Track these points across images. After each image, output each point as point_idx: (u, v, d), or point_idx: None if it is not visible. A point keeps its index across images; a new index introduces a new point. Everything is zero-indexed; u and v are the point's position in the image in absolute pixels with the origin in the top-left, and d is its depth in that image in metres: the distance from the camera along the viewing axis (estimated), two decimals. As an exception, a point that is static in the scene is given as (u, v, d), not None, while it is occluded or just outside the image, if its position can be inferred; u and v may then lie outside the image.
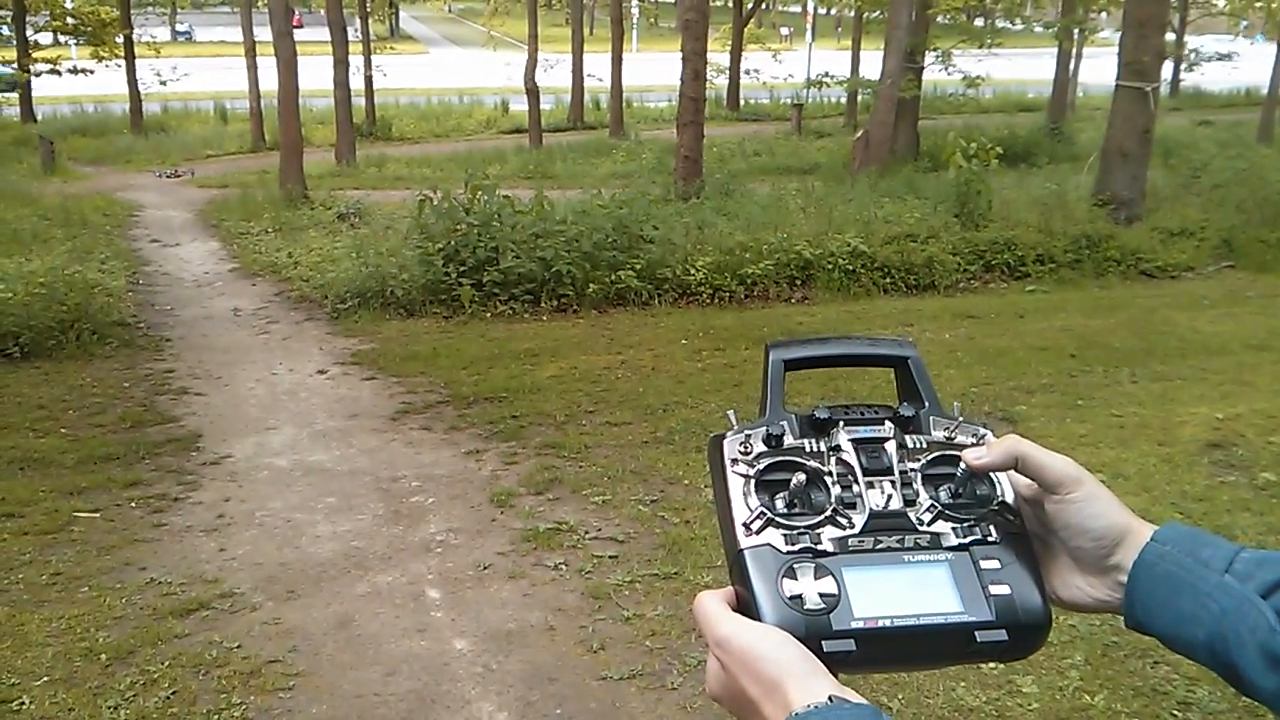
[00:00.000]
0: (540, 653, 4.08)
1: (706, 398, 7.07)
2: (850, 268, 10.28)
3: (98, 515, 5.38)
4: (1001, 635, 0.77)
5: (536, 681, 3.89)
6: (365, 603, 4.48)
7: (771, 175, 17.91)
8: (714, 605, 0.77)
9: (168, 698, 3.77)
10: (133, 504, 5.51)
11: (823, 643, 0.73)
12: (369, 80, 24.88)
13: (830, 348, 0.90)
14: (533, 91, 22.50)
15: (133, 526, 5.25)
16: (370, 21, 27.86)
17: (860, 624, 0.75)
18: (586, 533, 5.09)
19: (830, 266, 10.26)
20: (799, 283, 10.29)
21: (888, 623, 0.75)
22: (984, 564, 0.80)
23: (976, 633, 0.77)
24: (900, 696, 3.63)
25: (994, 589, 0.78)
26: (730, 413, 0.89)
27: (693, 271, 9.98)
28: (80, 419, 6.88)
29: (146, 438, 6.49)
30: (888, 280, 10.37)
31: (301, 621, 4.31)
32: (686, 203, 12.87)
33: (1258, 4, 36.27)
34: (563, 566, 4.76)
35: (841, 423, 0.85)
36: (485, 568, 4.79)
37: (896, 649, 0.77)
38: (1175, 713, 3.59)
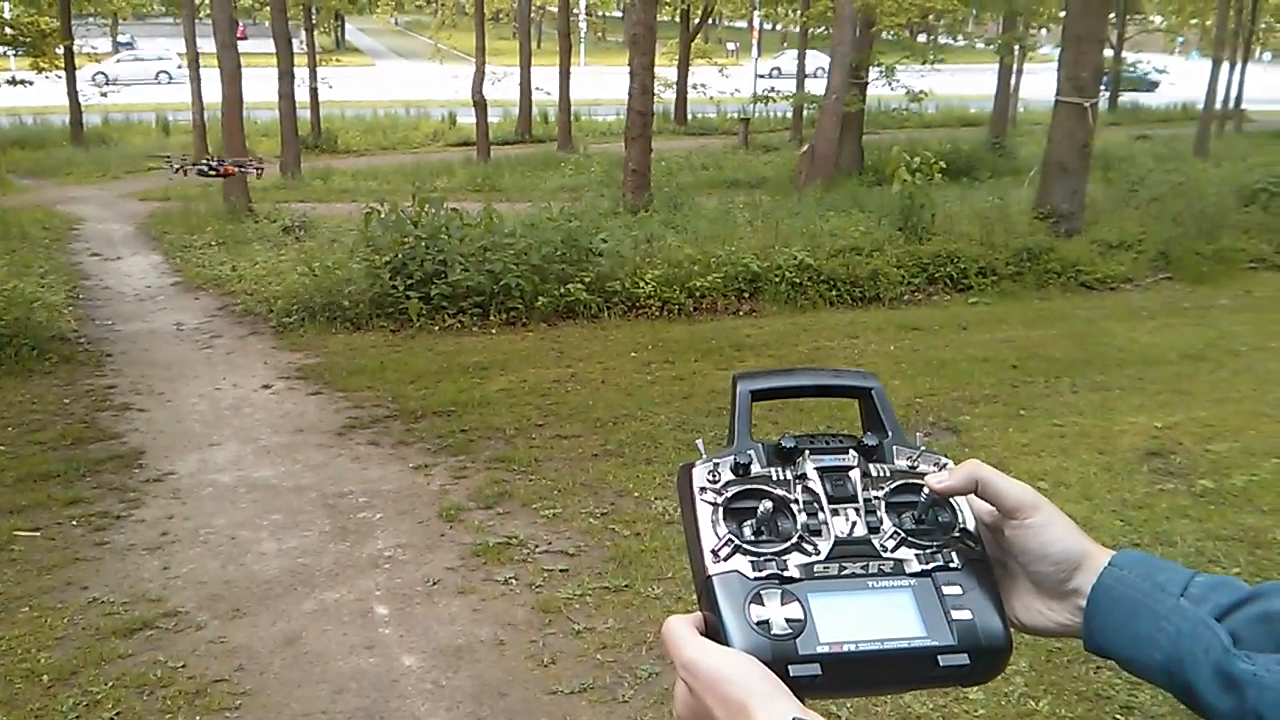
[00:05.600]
0: (490, 668, 4.07)
1: (656, 410, 7.09)
2: (797, 281, 10.37)
3: (38, 534, 5.27)
4: (964, 659, 0.78)
5: (486, 697, 3.88)
6: (312, 620, 4.44)
7: (719, 189, 18.01)
8: (682, 629, 0.78)
9: (112, 719, 3.71)
10: (74, 522, 5.41)
11: (789, 667, 0.74)
12: (314, 92, 24.66)
13: (796, 379, 0.92)
14: (480, 104, 22.44)
15: (74, 545, 5.16)
16: (316, 33, 27.64)
17: (826, 649, 0.76)
18: (536, 546, 5.09)
19: (778, 279, 10.34)
20: (747, 295, 10.36)
21: (852, 648, 0.77)
22: (946, 589, 0.81)
23: (939, 657, 0.78)
24: (849, 705, 3.66)
25: (956, 614, 0.80)
26: (699, 442, 0.91)
27: (642, 284, 10.01)
28: (19, 436, 6.74)
29: (88, 455, 6.38)
30: (834, 293, 10.47)
31: (247, 640, 4.26)
32: (635, 216, 12.90)
33: (1193, 21, 37.17)
34: (513, 581, 4.75)
35: (807, 451, 0.87)
36: (434, 583, 4.76)
37: (861, 674, 0.78)
38: (1118, 717, 3.67)
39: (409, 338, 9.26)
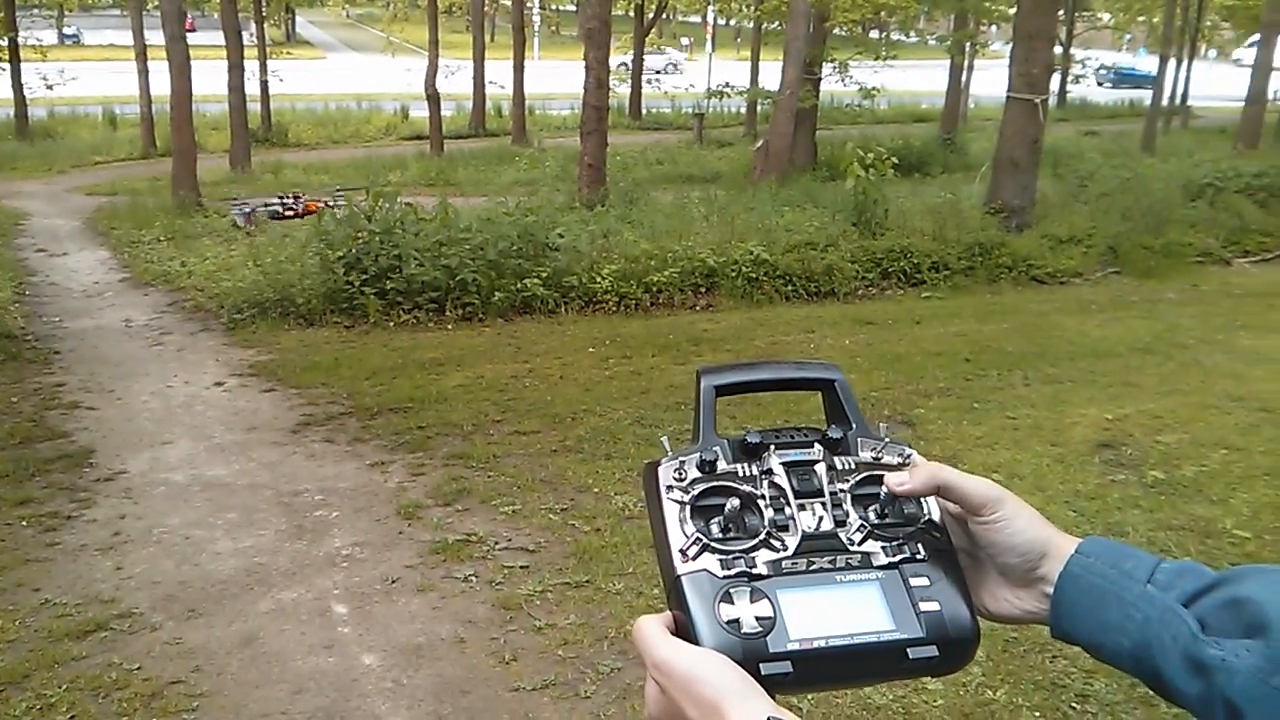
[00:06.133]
0: (451, 665, 4.05)
1: (614, 405, 7.09)
2: (753, 275, 10.41)
3: (-15, 535, 5.17)
4: (932, 651, 0.79)
5: (448, 695, 3.86)
6: (269, 620, 4.39)
7: (674, 184, 18.04)
8: (653, 629, 0.78)
9: (64, 723, 3.65)
10: (24, 523, 5.31)
11: (760, 665, 0.74)
12: (264, 85, 24.36)
13: (760, 373, 0.92)
14: (434, 98, 22.30)
15: (24, 546, 5.06)
16: (266, 26, 27.30)
17: (796, 646, 0.76)
18: (496, 543, 5.07)
19: (734, 274, 10.38)
20: (704, 290, 10.38)
21: (823, 643, 0.77)
22: (913, 581, 0.81)
23: (909, 650, 0.78)
24: (810, 697, 3.69)
25: (924, 606, 0.80)
26: (664, 439, 0.90)
27: (599, 279, 9.99)
28: (-36, 436, 6.61)
29: (37, 454, 6.26)
30: (789, 288, 10.52)
31: (204, 641, 4.21)
32: (591, 211, 12.88)
33: (1140, 18, 37.75)
34: (473, 578, 4.73)
35: (772, 446, 0.87)
36: (393, 581, 4.73)
37: (832, 669, 0.78)
38: (1074, 705, 3.72)
39: (364, 334, 9.19)
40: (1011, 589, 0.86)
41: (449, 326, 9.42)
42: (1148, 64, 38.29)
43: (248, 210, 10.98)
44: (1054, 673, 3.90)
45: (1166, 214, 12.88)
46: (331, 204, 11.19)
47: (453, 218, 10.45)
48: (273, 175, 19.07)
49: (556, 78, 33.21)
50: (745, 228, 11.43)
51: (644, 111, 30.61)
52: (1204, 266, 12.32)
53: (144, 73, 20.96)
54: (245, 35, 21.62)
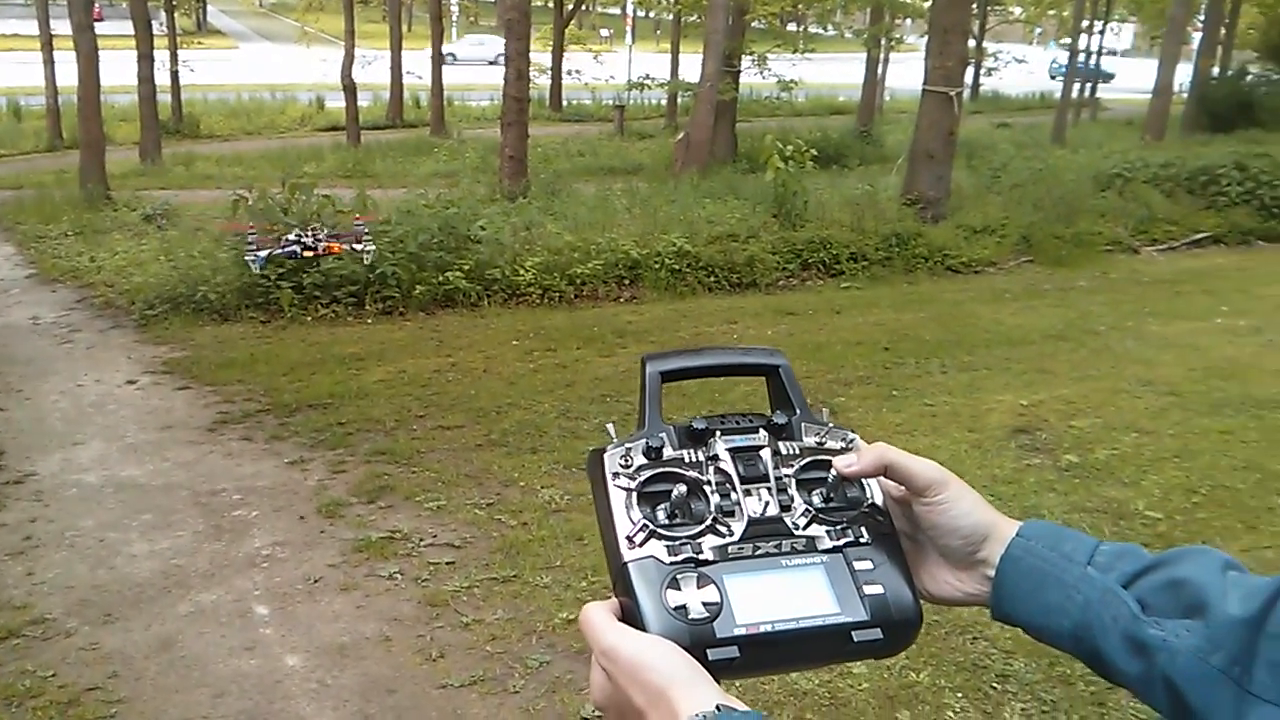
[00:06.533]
0: (377, 664, 4.00)
1: (540, 399, 7.06)
2: (676, 267, 10.44)
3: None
4: (876, 634, 0.80)
5: (374, 694, 3.82)
6: (188, 623, 4.29)
7: (596, 176, 18.00)
8: (600, 616, 0.78)
9: (-27, 735, 3.54)
10: (-75, 529, 5.13)
11: (707, 651, 0.75)
12: (175, 76, 23.74)
13: (705, 359, 0.92)
14: (350, 88, 21.95)
15: (-74, 553, 4.88)
16: (176, 15, 26.60)
17: (743, 630, 0.76)
18: (421, 540, 5.02)
19: (657, 266, 10.39)
20: (627, 282, 10.38)
21: (769, 627, 0.77)
22: (857, 565, 0.82)
23: (853, 633, 0.79)
24: (737, 684, 3.70)
25: (868, 589, 0.81)
26: (609, 426, 0.89)
27: (522, 272, 9.93)
28: None
29: (-62, 457, 6.04)
30: (712, 279, 10.57)
31: (121, 645, 4.10)
32: (513, 203, 12.78)
33: (1050, 12, 38.63)
34: (397, 575, 4.68)
35: (718, 432, 0.87)
36: (315, 581, 4.66)
37: (778, 653, 0.79)
38: (995, 685, 3.80)
39: (280, 329, 9.02)
40: (953, 571, 0.87)
41: (369, 321, 9.29)
42: (1106, 60, 39.31)
43: (264, 254, 9.21)
44: (975, 654, 3.98)
45: (1077, 204, 13.22)
46: (359, 246, 9.54)
47: (371, 209, 10.30)
48: (184, 168, 18.63)
49: (475, 68, 32.95)
50: (668, 220, 11.46)
51: (564, 103, 30.50)
52: (1113, 255, 12.65)
53: (50, 63, 20.26)
54: (155, 25, 21.04)
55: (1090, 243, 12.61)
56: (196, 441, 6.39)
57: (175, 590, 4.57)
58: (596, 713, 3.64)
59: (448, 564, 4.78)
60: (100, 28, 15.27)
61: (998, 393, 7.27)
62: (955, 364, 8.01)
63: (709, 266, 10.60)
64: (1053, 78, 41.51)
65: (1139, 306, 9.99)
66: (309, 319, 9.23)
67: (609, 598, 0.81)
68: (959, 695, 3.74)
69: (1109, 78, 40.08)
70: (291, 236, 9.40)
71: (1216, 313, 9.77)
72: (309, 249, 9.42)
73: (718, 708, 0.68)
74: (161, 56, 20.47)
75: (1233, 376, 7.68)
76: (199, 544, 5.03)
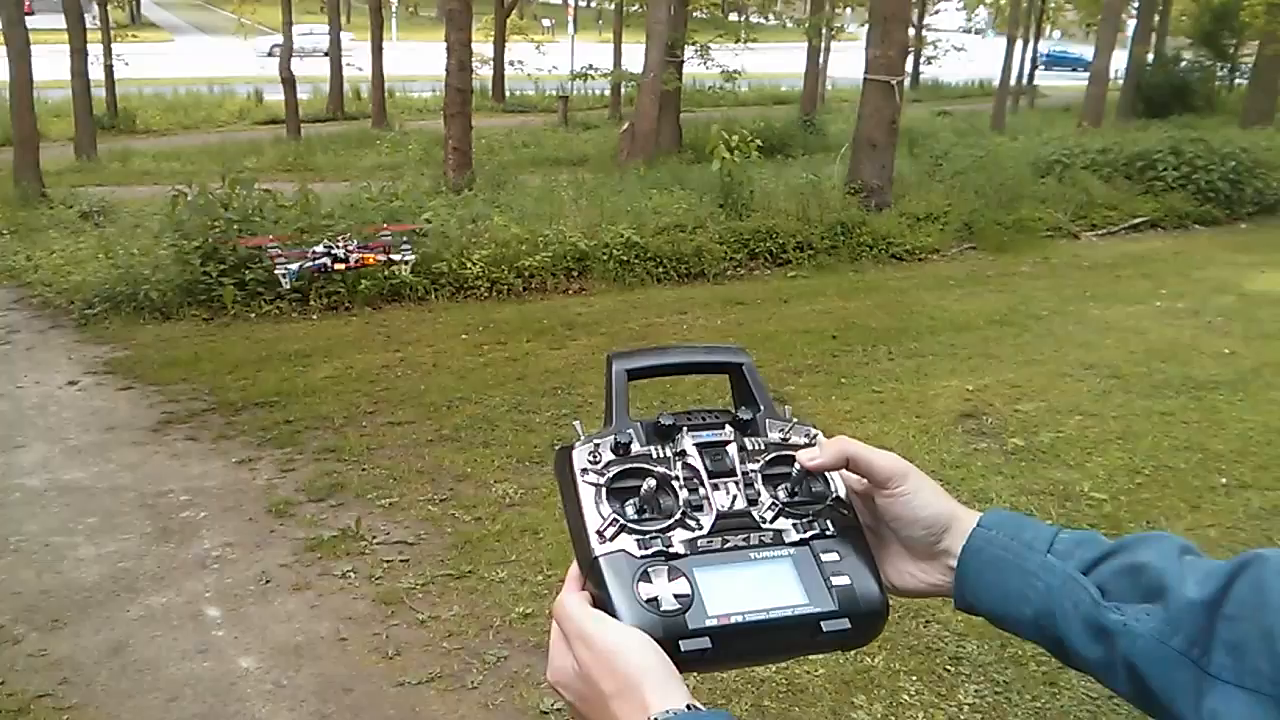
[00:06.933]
0: (333, 664, 3.97)
1: (491, 392, 7.02)
2: (625, 258, 10.43)
3: None
4: (845, 625, 0.81)
5: (330, 694, 3.78)
6: (139, 626, 4.22)
7: (541, 167, 17.94)
8: (579, 602, 0.80)
9: (-83, 748, 3.46)
10: None
11: (680, 642, 0.76)
12: (109, 70, 23.32)
13: (670, 356, 0.94)
14: (289, 81, 21.69)
15: None
16: (109, 7, 26.08)
17: (715, 622, 0.78)
18: (374, 537, 4.98)
19: (605, 257, 10.38)
20: (576, 274, 10.36)
21: (740, 619, 0.78)
22: (824, 557, 0.84)
23: (822, 623, 0.81)
24: (694, 674, 3.72)
25: (835, 580, 0.82)
26: (576, 423, 0.90)
27: (469, 265, 9.87)
28: None
29: None
30: (660, 270, 10.58)
31: (70, 651, 4.03)
32: (459, 195, 12.68)
33: (988, 1, 39.09)
34: (351, 574, 4.64)
35: (685, 428, 0.88)
36: (267, 581, 4.60)
37: (749, 644, 0.80)
38: (948, 667, 3.85)
39: (224, 326, 8.88)
40: (915, 562, 0.89)
41: (314, 317, 9.17)
42: (1080, 48, 39.95)
43: (295, 267, 8.60)
44: (928, 637, 4.03)
45: (1018, 190, 13.40)
46: (398, 257, 9.08)
47: (314, 204, 10.18)
48: (121, 164, 18.33)
49: (416, 59, 32.65)
50: (615, 211, 11.44)
51: (507, 94, 30.34)
52: (1054, 240, 12.84)
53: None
54: (88, 18, 20.62)
55: (1031, 229, 12.79)
56: (141, 442, 6.29)
57: (124, 594, 4.49)
58: (557, 706, 3.64)
59: (402, 561, 4.75)
60: (31, 21, 14.96)
61: (944, 378, 7.36)
62: (902, 351, 8.09)
63: (657, 257, 10.61)
64: (1048, 68, 42.26)
65: (1080, 291, 10.16)
66: (253, 316, 9.10)
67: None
68: (913, 679, 3.79)
69: (1086, 65, 40.72)
70: (320, 249, 8.86)
71: (1156, 296, 9.97)
72: (340, 260, 8.86)
73: (687, 707, 0.70)
74: (95, 50, 20.11)
75: (1172, 358, 7.84)
76: (147, 546, 4.94)
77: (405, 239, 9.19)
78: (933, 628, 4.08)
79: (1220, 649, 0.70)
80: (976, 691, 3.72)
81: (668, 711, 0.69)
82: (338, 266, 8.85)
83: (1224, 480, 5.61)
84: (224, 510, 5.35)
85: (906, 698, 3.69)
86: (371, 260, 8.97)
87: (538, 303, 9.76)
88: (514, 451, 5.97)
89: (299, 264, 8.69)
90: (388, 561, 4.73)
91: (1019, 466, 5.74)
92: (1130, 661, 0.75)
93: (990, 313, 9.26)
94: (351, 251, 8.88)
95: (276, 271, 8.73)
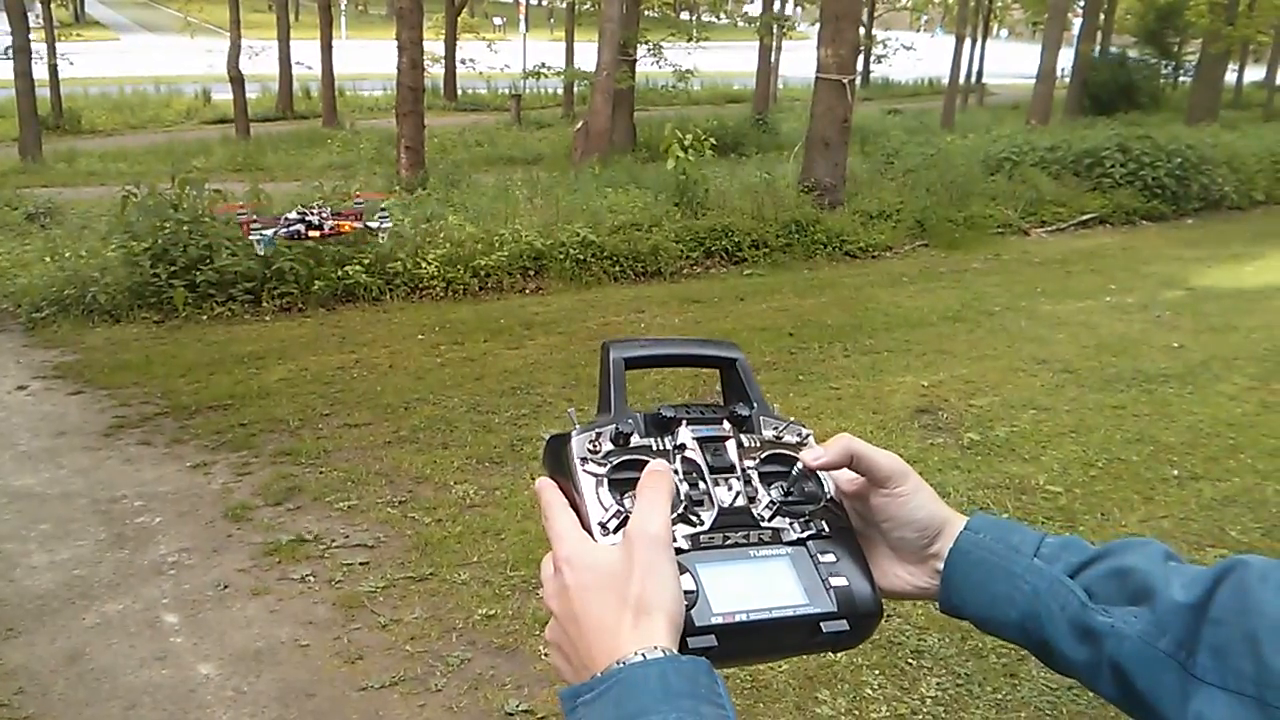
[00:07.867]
0: (294, 669, 3.93)
1: (448, 393, 6.98)
2: (581, 257, 10.42)
3: None
4: (843, 625, 0.81)
5: (292, 699, 3.75)
6: (95, 634, 4.16)
7: (495, 166, 17.87)
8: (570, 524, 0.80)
9: None
10: None
11: (686, 639, 0.75)
12: (53, 69, 22.91)
13: (666, 348, 0.93)
14: (237, 80, 21.44)
15: None
16: (52, 6, 25.61)
17: (719, 619, 0.77)
18: (333, 541, 4.93)
19: (562, 256, 10.36)
20: (532, 273, 10.33)
21: (744, 617, 0.78)
22: (821, 557, 0.84)
23: (822, 624, 0.81)
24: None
25: (833, 581, 0.83)
26: (571, 411, 0.89)
27: (424, 265, 9.80)
28: None
29: None
30: (617, 268, 10.57)
31: (25, 660, 3.95)
32: (412, 194, 12.60)
33: (936, 1, 39.48)
34: (310, 578, 4.60)
35: (684, 421, 0.88)
36: (225, 586, 4.55)
37: (751, 642, 0.80)
38: (910, 661, 3.89)
39: (175, 328, 8.76)
40: (903, 565, 0.90)
41: (267, 318, 9.07)
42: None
43: (269, 232, 8.25)
44: (889, 630, 4.07)
45: (968, 188, 13.55)
46: (375, 225, 8.81)
47: (265, 204, 10.06)
48: (67, 164, 18.02)
49: (366, 58, 32.38)
50: (570, 209, 11.42)
51: (459, 92, 30.19)
52: (1005, 237, 13.01)
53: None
54: (31, 16, 20.24)
55: (982, 225, 12.95)
56: (93, 447, 6.18)
57: (79, 601, 4.41)
58: (522, 707, 3.63)
59: (362, 564, 4.71)
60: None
61: (899, 374, 7.43)
62: (857, 347, 8.15)
63: (614, 256, 10.60)
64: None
65: (1031, 287, 10.30)
66: (204, 318, 8.98)
67: (529, 590, 0.82)
68: (876, 673, 3.83)
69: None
70: (293, 215, 8.50)
71: (1105, 291, 10.13)
72: (315, 228, 8.49)
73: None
74: (38, 49, 19.74)
75: (1123, 352, 7.98)
76: (102, 553, 4.86)
77: (383, 206, 8.92)
78: (894, 621, 4.12)
79: (1205, 652, 0.71)
80: (938, 684, 3.76)
81: (656, 646, 0.70)
82: (312, 234, 8.52)
83: (1175, 472, 5.72)
84: (179, 515, 5.27)
85: (870, 692, 3.72)
86: (347, 227, 8.64)
87: (494, 302, 9.72)
88: (473, 452, 5.94)
89: (273, 230, 8.36)
90: (347, 565, 4.69)
91: (975, 461, 5.81)
92: (1116, 663, 0.76)
93: (943, 309, 9.35)
94: (326, 219, 8.55)
95: (251, 238, 8.39)
